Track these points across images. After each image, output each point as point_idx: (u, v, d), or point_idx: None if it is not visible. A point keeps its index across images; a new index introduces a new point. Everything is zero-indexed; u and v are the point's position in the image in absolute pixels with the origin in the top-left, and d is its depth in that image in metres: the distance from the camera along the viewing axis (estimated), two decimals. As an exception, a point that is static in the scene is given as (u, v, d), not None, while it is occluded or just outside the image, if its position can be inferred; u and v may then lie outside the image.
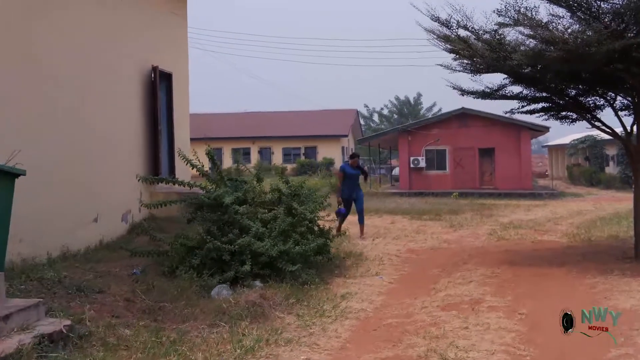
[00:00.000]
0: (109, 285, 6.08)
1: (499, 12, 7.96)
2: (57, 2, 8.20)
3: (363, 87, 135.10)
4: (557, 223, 14.18)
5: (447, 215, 16.02)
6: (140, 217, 10.51)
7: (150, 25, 11.40)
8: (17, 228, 5.49)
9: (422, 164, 28.73)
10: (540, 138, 59.40)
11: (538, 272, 7.96)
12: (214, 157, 7.91)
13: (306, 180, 8.81)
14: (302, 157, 43.23)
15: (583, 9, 7.58)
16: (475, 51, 8.26)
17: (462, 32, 8.31)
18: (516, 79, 8.71)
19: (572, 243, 10.74)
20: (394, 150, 37.06)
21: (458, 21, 8.15)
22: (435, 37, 8.68)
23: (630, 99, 8.75)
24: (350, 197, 11.90)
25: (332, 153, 42.79)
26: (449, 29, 8.30)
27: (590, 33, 7.28)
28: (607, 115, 9.54)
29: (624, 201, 18.68)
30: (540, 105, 9.32)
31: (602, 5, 7.54)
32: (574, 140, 38.52)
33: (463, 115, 28.24)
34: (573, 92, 9.10)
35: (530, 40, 7.95)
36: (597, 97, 9.12)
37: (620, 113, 9.05)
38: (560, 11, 7.75)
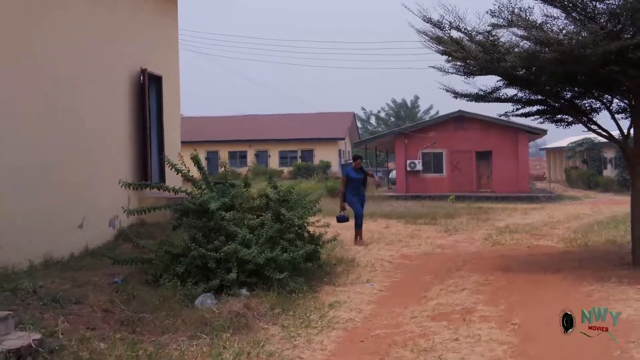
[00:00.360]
0: (87, 295, 5.86)
1: (492, 13, 7.78)
2: (40, 3, 8.01)
3: (360, 89, 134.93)
4: (553, 227, 13.99)
5: (443, 219, 15.82)
6: (129, 222, 10.30)
7: (139, 28, 11.21)
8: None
9: (419, 167, 28.55)
10: (539, 141, 59.34)
11: (533, 279, 7.75)
12: (199, 161, 7.70)
13: (296, 185, 8.58)
14: (299, 160, 43.03)
15: (578, 9, 7.39)
16: (469, 53, 8.06)
17: (455, 34, 8.13)
18: (510, 81, 8.51)
19: (568, 248, 10.54)
20: (390, 153, 36.90)
21: (450, 22, 7.96)
22: (428, 38, 8.49)
23: (627, 101, 8.57)
24: (356, 199, 11.73)
25: (329, 156, 42.59)
26: (442, 30, 8.11)
27: (586, 34, 7.09)
28: (603, 118, 9.35)
29: (621, 204, 18.48)
30: (535, 108, 9.13)
31: (598, 6, 7.35)
32: (571, 143, 38.37)
33: (460, 118, 28.07)
34: (569, 95, 8.90)
35: (525, 41, 7.75)
36: (593, 100, 8.93)
37: (617, 116, 8.86)
38: (555, 12, 7.56)
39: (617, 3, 7.25)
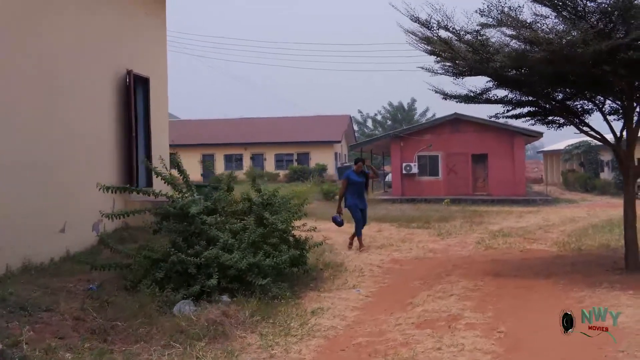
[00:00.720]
0: (59, 303, 5.66)
1: (481, 12, 7.60)
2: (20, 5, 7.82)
3: (358, 92, 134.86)
4: (548, 231, 13.79)
5: (437, 223, 15.63)
6: (114, 227, 10.12)
7: (125, 29, 11.02)
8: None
9: (415, 170, 28.35)
10: (536, 143, 59.12)
11: (523, 285, 7.56)
12: (180, 164, 7.50)
13: (279, 188, 8.38)
14: (295, 164, 42.82)
15: (569, 8, 7.21)
16: (457, 53, 7.88)
17: (443, 33, 7.94)
18: (501, 82, 8.33)
19: (561, 252, 10.35)
20: (386, 156, 36.71)
21: (438, 21, 7.77)
22: (417, 39, 8.31)
23: (619, 102, 8.39)
24: (357, 204, 11.25)
25: (325, 159, 42.40)
26: (430, 29, 7.93)
27: (576, 33, 6.91)
28: (597, 120, 9.16)
29: (618, 207, 18.17)
30: (526, 110, 8.95)
31: (589, 4, 7.18)
32: (568, 145, 38.22)
33: (456, 121, 27.89)
34: (560, 96, 8.72)
35: (514, 41, 7.58)
36: (585, 101, 8.75)
37: (610, 117, 8.68)
38: (545, 11, 7.39)
39: (608, 2, 7.07)
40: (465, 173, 28.19)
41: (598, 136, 8.52)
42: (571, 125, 8.79)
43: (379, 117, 60.95)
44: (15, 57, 7.60)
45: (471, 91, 8.64)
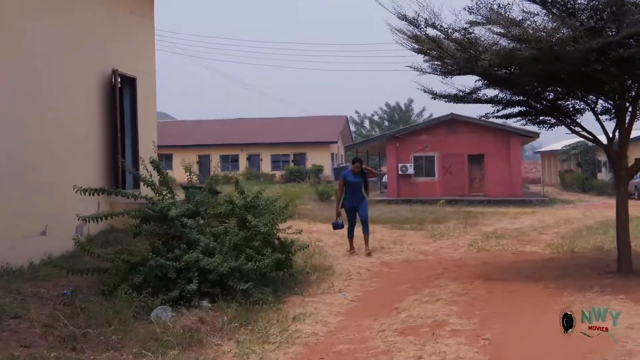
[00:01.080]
0: (29, 309, 5.46)
1: (470, 10, 7.42)
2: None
3: (356, 93, 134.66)
4: (542, 232, 13.61)
5: (430, 225, 15.45)
6: (99, 229, 9.95)
7: (111, 27, 10.85)
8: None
9: (411, 170, 28.16)
10: (534, 144, 58.91)
11: (512, 289, 7.38)
12: (159, 165, 7.31)
13: (264, 190, 8.20)
14: (291, 164, 42.65)
15: (558, 5, 7.03)
16: (445, 51, 7.70)
17: (431, 31, 7.75)
18: (490, 81, 8.15)
19: (554, 254, 10.17)
20: (383, 156, 36.51)
21: (426, 19, 7.58)
22: (406, 37, 8.12)
23: (611, 102, 8.21)
24: (352, 207, 10.92)
25: (322, 160, 42.22)
26: (417, 27, 7.74)
27: (565, 30, 6.73)
28: (590, 120, 8.97)
29: (614, 208, 18.08)
30: (517, 109, 8.76)
31: (579, 1, 7.00)
32: (566, 146, 38.06)
33: (452, 121, 27.70)
34: (551, 96, 8.54)
35: (503, 39, 7.39)
36: (577, 101, 8.57)
37: (602, 117, 8.51)
38: (535, 8, 7.21)
39: (599, -2, 6.90)
40: (461, 174, 28.00)
41: (590, 136, 8.34)
42: (562, 125, 8.61)
43: (375, 118, 60.78)
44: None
45: (460, 91, 8.46)
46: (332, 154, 44.22)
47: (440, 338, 5.35)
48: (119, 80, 11.45)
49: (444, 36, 7.69)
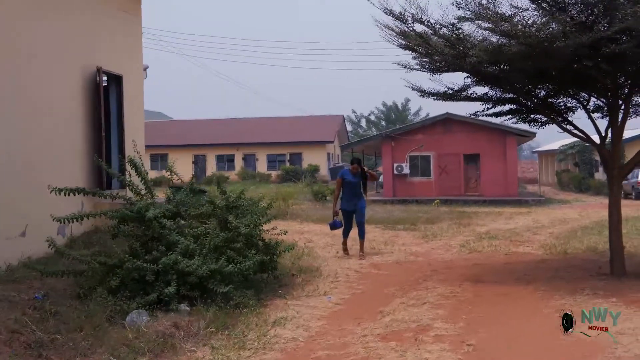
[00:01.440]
0: (-4, 314, 5.26)
1: (458, 5, 7.23)
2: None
3: (353, 93, 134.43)
4: (536, 233, 13.42)
5: (423, 225, 15.26)
6: (82, 230, 9.75)
7: (96, 23, 10.63)
8: None
9: (406, 170, 27.98)
10: (532, 143, 58.78)
11: (502, 292, 7.18)
12: (137, 165, 7.10)
13: (245, 190, 7.99)
14: (287, 164, 42.45)
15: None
16: (433, 47, 7.50)
17: (419, 27, 7.56)
18: (479, 78, 7.95)
19: (547, 256, 9.98)
20: (378, 156, 36.33)
21: (413, 15, 7.39)
22: (394, 34, 7.92)
23: (604, 99, 8.02)
24: (349, 209, 10.51)
25: (318, 159, 42.03)
26: (404, 23, 7.54)
27: (555, 26, 6.54)
28: (583, 118, 8.77)
29: (609, 209, 17.91)
30: (507, 107, 8.56)
31: (570, -5, 6.81)
32: (563, 145, 37.86)
33: (447, 121, 27.51)
34: (542, 93, 8.34)
35: (492, 35, 7.19)
36: (569, 98, 8.37)
37: (594, 115, 8.31)
38: (525, 3, 7.02)
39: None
40: (457, 173, 27.82)
41: (582, 135, 8.15)
42: (554, 124, 8.41)
43: (372, 118, 60.59)
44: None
45: (450, 88, 8.26)
46: (329, 154, 44.01)
47: (423, 344, 5.15)
48: (105, 78, 11.28)
49: (431, 32, 7.49)
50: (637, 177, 27.31)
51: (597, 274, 7.89)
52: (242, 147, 43.28)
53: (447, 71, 7.91)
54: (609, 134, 7.96)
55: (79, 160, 9.92)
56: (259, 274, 7.57)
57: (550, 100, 8.40)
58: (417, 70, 8.05)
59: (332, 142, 43.71)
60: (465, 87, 8.21)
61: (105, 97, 11.15)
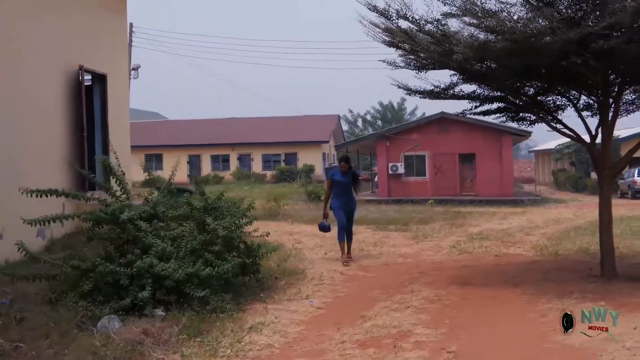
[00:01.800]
0: (-42, 321, 5.06)
1: (443, 1, 7.03)
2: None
3: (351, 93, 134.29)
4: (528, 233, 13.22)
5: (415, 225, 15.05)
6: (63, 232, 9.55)
7: (78, 21, 10.46)
8: None
9: (401, 170, 27.77)
10: (530, 143, 58.60)
11: (488, 295, 6.98)
12: (112, 167, 6.89)
13: (225, 191, 7.78)
14: (283, 164, 42.25)
15: (535, -6, 6.66)
16: (419, 44, 7.30)
17: (403, 24, 7.35)
18: (466, 76, 7.74)
19: (537, 257, 9.77)
20: (374, 156, 36.13)
21: (397, 10, 7.19)
22: (380, 30, 7.72)
23: (594, 98, 7.82)
24: (341, 207, 9.92)
25: (313, 159, 41.81)
26: (388, 19, 7.34)
27: (542, 21, 6.34)
28: (574, 117, 8.56)
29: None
30: (495, 106, 8.35)
31: (558, -10, 6.62)
32: (559, 145, 37.68)
33: (443, 120, 27.27)
34: (531, 91, 8.14)
35: (479, 31, 6.99)
36: (558, 97, 8.17)
37: (584, 114, 8.11)
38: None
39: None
40: (452, 173, 27.63)
41: (572, 134, 7.95)
42: (542, 122, 8.21)
43: (368, 117, 60.35)
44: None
45: (436, 86, 8.06)
46: (324, 154, 43.81)
47: (401, 351, 4.96)
48: (90, 77, 11.09)
49: (416, 28, 7.29)
50: (634, 176, 27.14)
51: (587, 276, 7.68)
52: (238, 147, 43.07)
53: (434, 69, 7.70)
54: (600, 133, 7.75)
55: (60, 161, 9.72)
56: (240, 277, 7.38)
57: (539, 98, 8.20)
58: (402, 67, 7.85)
59: (327, 142, 43.50)
60: (452, 85, 8.01)
61: (90, 96, 10.96)
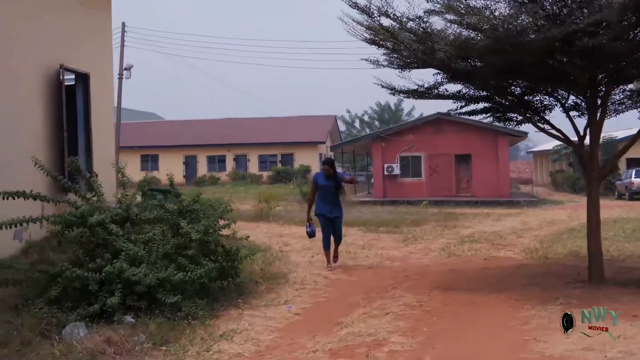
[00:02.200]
0: None
1: (427, -3, 6.82)
2: None
3: (350, 93, 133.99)
4: (520, 235, 13.01)
5: (407, 227, 14.84)
6: (42, 234, 9.32)
7: (60, 19, 10.23)
8: None
9: (397, 171, 27.59)
10: (529, 143, 58.32)
11: (471, 300, 6.77)
12: (78, 166, 6.68)
13: (201, 193, 7.55)
14: (279, 165, 42.04)
15: (520, -10, 6.44)
16: (401, 42, 7.10)
17: (385, 21, 7.15)
18: (451, 74, 7.53)
19: (526, 260, 9.57)
20: (369, 157, 35.95)
21: (379, 7, 6.98)
22: (364, 28, 7.51)
23: (582, 97, 7.61)
24: (325, 213, 9.35)
25: (310, 160, 41.59)
26: (370, 16, 7.13)
27: (525, 17, 6.13)
28: (562, 117, 8.35)
29: (602, 209, 17.48)
30: (481, 106, 8.14)
31: (543, -14, 6.40)
32: (557, 145, 37.45)
33: (438, 121, 27.05)
34: (517, 90, 7.93)
35: (461, 28, 6.78)
36: (545, 96, 7.96)
37: (571, 114, 7.91)
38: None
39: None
40: (448, 174, 27.44)
41: (560, 135, 7.74)
42: (529, 123, 8.00)
43: (366, 118, 60.09)
44: None
45: (420, 86, 7.85)
46: (321, 155, 43.54)
47: (373, 361, 4.74)
48: (73, 76, 10.87)
49: (398, 26, 7.08)
50: (631, 177, 26.93)
51: (575, 281, 7.47)
52: (234, 147, 42.85)
53: (417, 67, 7.50)
54: (588, 134, 7.54)
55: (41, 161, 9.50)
56: (218, 281, 7.17)
57: (526, 98, 7.99)
58: (385, 66, 7.64)
59: (323, 142, 43.26)
60: (437, 85, 7.80)
61: (72, 96, 10.74)
